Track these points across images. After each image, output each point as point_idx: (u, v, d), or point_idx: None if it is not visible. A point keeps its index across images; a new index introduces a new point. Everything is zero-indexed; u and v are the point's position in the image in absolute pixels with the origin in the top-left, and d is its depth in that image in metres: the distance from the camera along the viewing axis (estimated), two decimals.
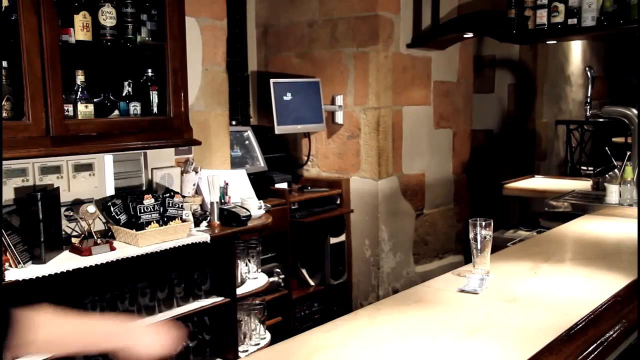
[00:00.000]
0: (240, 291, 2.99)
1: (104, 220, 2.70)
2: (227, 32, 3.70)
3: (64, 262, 2.34)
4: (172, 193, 2.73)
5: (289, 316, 3.76)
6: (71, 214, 2.64)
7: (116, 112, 2.75)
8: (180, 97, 2.88)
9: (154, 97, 2.84)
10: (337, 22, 3.91)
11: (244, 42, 4.24)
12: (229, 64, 3.80)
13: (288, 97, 3.94)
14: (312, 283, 4.03)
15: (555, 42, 5.51)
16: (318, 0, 3.98)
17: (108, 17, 2.60)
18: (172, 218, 2.70)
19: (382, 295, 3.92)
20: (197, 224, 2.94)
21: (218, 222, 2.97)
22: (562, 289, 1.83)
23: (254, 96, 4.33)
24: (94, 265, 2.38)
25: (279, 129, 3.91)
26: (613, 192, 2.96)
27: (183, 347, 2.83)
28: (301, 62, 4.19)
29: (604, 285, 1.83)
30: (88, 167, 2.73)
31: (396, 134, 3.99)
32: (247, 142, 3.90)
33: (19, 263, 2.23)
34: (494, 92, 6.02)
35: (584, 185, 3.63)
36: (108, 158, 2.79)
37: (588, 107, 3.36)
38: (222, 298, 2.92)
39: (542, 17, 3.34)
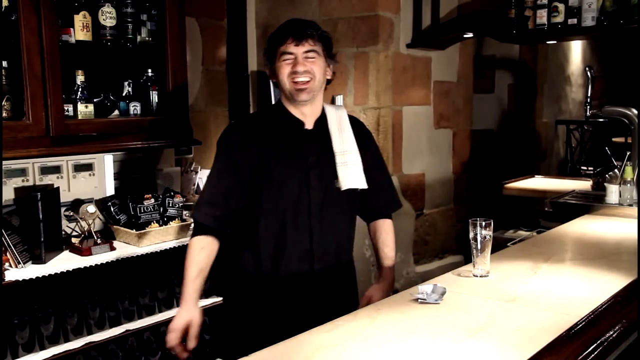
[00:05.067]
0: None
1: (104, 220, 2.70)
2: (227, 32, 3.70)
3: (64, 262, 2.35)
4: (172, 193, 2.73)
5: None
6: (71, 214, 2.64)
7: (116, 112, 2.75)
8: (180, 97, 2.88)
9: (154, 97, 2.85)
10: (337, 22, 3.91)
11: (244, 42, 4.24)
12: (229, 64, 3.80)
13: None
14: None
15: (555, 42, 5.50)
16: (318, 0, 3.97)
17: (108, 17, 2.60)
18: (172, 218, 2.70)
19: None
20: None
21: None
22: (562, 289, 1.83)
23: (254, 96, 4.32)
24: (94, 265, 2.38)
25: None
26: (613, 192, 2.96)
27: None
28: None
29: (603, 285, 1.83)
30: (88, 167, 2.73)
31: (396, 133, 3.98)
32: None
33: (19, 263, 2.24)
34: (494, 92, 6.02)
35: (584, 185, 3.63)
36: (108, 158, 2.80)
37: (588, 107, 3.36)
38: (222, 298, 2.92)
39: (542, 17, 3.34)
